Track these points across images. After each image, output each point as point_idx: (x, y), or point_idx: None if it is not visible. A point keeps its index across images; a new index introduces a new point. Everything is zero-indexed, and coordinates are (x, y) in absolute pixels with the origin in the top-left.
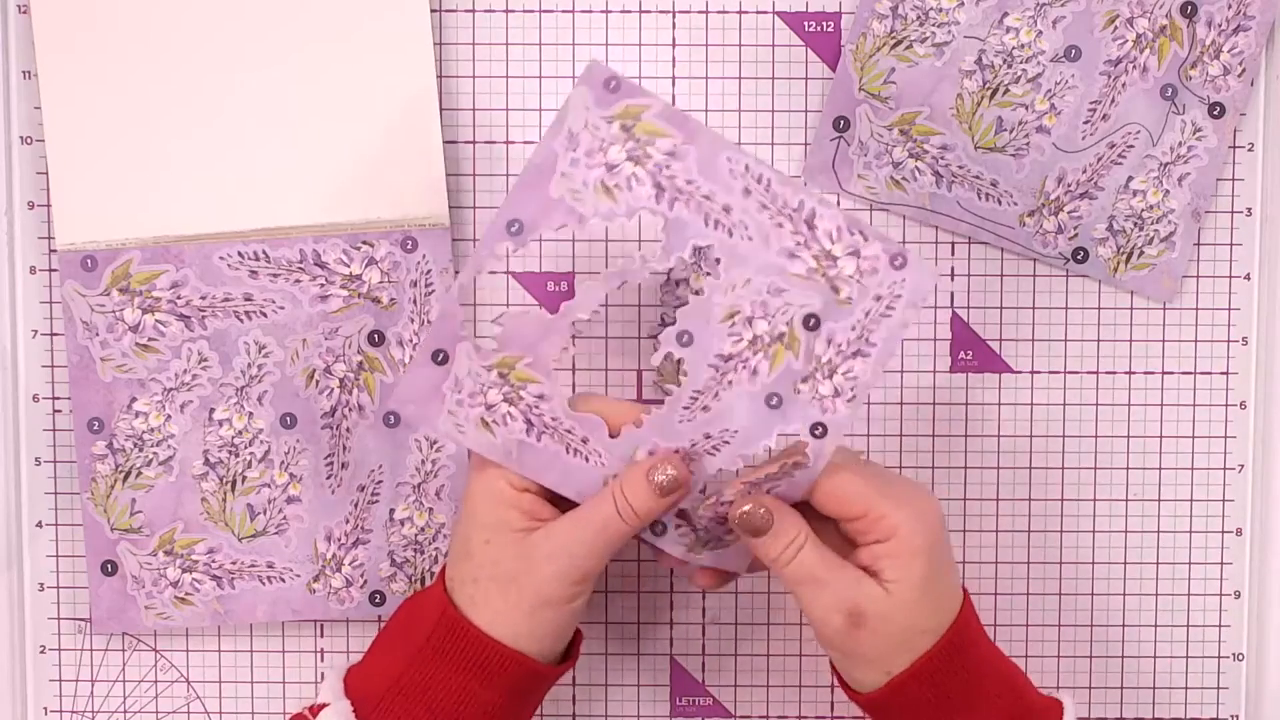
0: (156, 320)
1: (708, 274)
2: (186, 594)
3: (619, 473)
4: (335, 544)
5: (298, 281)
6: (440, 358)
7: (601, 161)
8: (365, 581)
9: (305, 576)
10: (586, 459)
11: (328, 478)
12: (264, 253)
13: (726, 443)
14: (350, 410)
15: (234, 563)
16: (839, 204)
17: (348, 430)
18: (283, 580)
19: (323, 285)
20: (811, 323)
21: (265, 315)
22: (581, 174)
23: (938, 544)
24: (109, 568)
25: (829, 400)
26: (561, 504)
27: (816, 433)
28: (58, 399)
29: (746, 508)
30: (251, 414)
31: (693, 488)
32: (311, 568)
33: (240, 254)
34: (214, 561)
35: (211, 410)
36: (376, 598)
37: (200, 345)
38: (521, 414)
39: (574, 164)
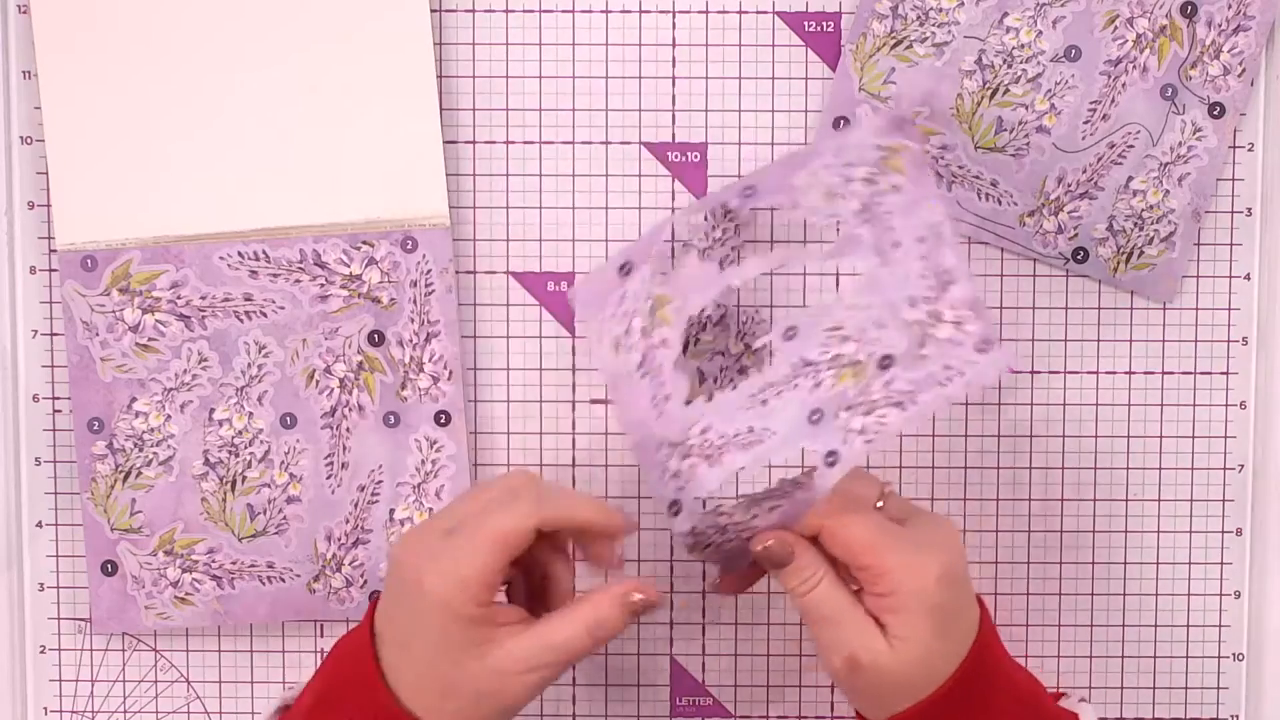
0: (156, 320)
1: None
2: (186, 594)
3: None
4: (335, 544)
5: (298, 281)
6: (625, 269)
7: (843, 175)
8: (365, 581)
9: (305, 576)
10: (656, 407)
11: (328, 478)
12: (264, 253)
13: (761, 441)
14: (350, 410)
15: (234, 563)
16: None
17: (348, 430)
18: (283, 580)
19: (323, 285)
20: (886, 363)
21: (265, 315)
22: (824, 177)
23: (946, 601)
24: (109, 568)
25: (853, 435)
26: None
27: (829, 460)
28: (58, 399)
29: (769, 543)
30: (251, 414)
31: (693, 505)
32: (311, 568)
33: (240, 254)
34: (214, 561)
35: (211, 410)
36: (376, 598)
37: (200, 345)
38: (642, 349)
39: (826, 167)
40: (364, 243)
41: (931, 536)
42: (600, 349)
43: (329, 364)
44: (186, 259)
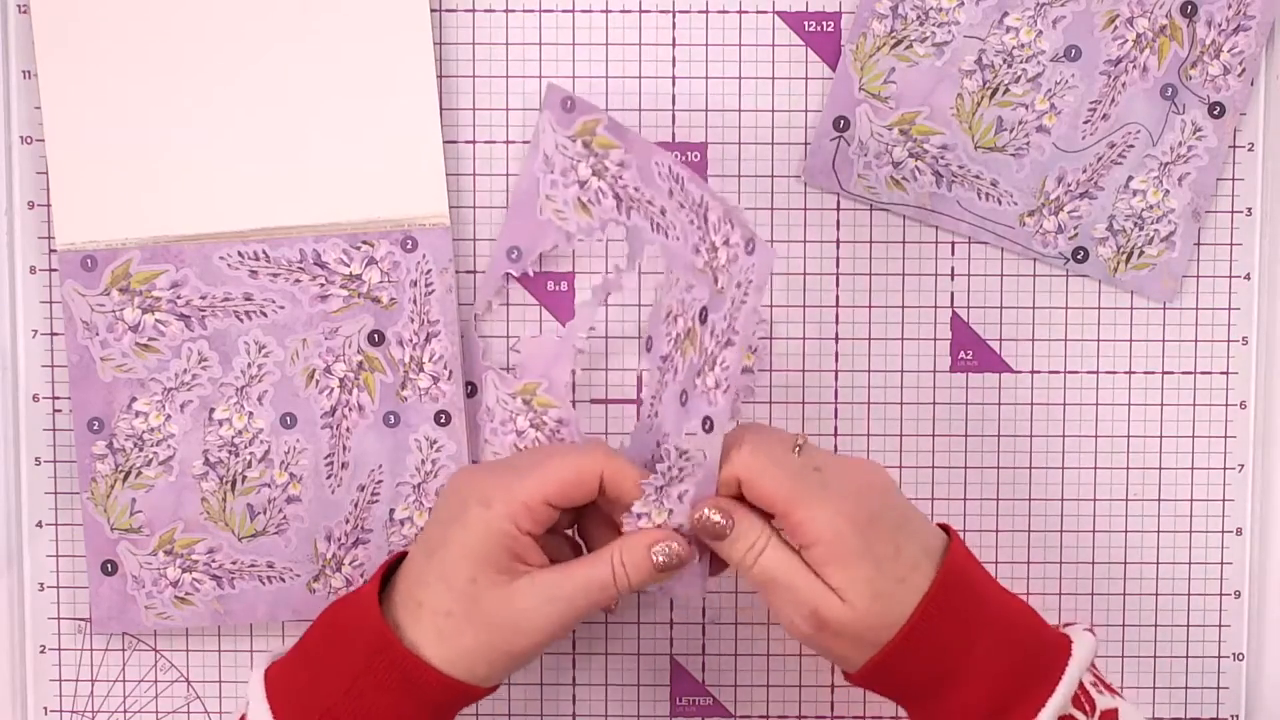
0: (156, 320)
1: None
2: (186, 594)
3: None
4: (335, 544)
5: (298, 281)
6: (470, 390)
7: (574, 179)
8: (365, 581)
9: (305, 576)
10: None
11: (328, 478)
12: (264, 253)
13: (665, 448)
14: (350, 410)
15: (234, 562)
16: (838, 204)
17: (348, 430)
18: (283, 580)
19: (323, 285)
20: (703, 315)
21: (265, 315)
22: (561, 194)
23: (874, 541)
24: (109, 567)
25: (713, 392)
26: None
27: (706, 427)
28: (58, 399)
29: (705, 511)
30: (251, 414)
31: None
32: (311, 567)
33: (240, 254)
34: (214, 561)
35: (211, 410)
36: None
37: (200, 345)
38: (547, 438)
39: (553, 185)
40: (364, 242)
41: (845, 480)
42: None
43: (329, 364)
44: (186, 259)
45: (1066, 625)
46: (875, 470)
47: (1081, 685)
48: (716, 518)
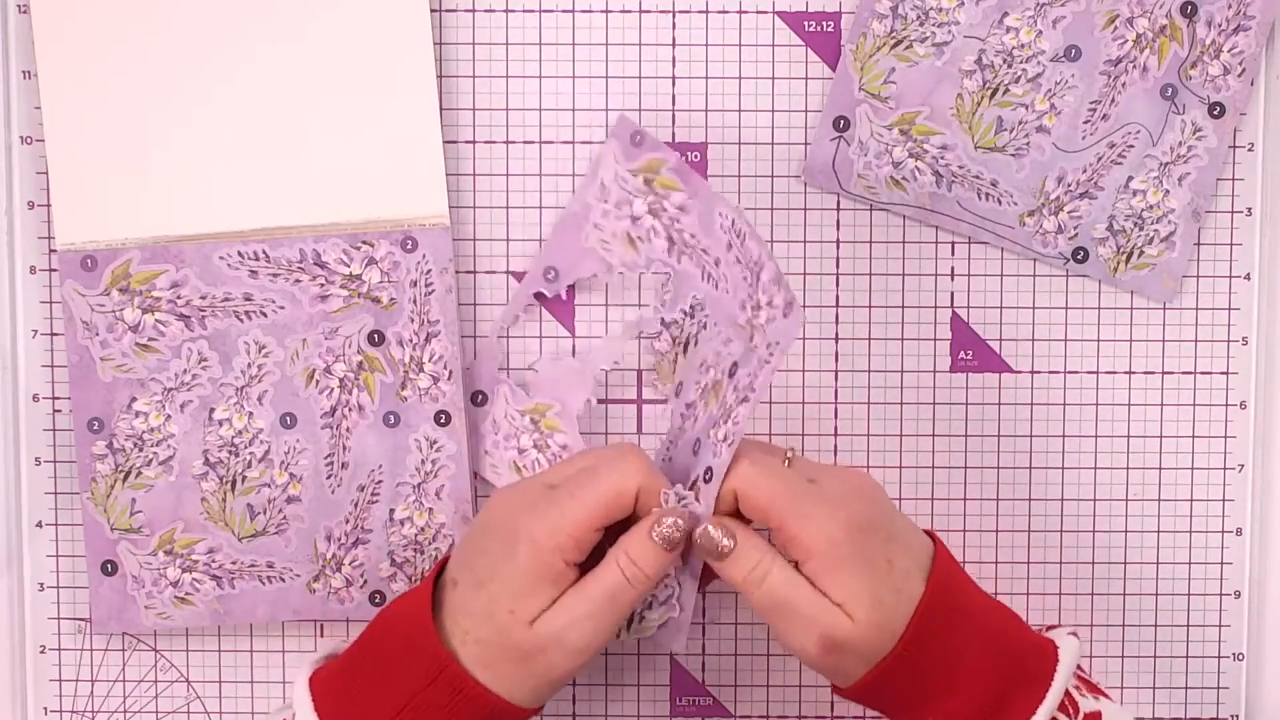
0: (156, 320)
1: (703, 326)
2: (186, 594)
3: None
4: (335, 544)
5: (297, 281)
6: (479, 399)
7: (628, 214)
8: (365, 581)
9: (305, 576)
10: None
11: (328, 478)
12: (264, 252)
13: (665, 494)
14: (350, 410)
15: (234, 562)
16: (838, 204)
17: (348, 430)
18: (283, 580)
19: (323, 285)
20: (732, 370)
21: (265, 315)
22: (611, 225)
23: (868, 549)
24: (109, 568)
25: (719, 445)
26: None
27: (706, 477)
28: (58, 399)
29: (707, 528)
30: (251, 414)
31: None
32: (311, 567)
33: (240, 254)
34: (214, 561)
35: (211, 410)
36: (377, 598)
37: (200, 345)
38: (548, 461)
39: (605, 215)
40: (364, 242)
41: (835, 489)
42: (501, 478)
43: (329, 364)
44: (186, 259)
45: (1049, 629)
46: (865, 479)
47: (1065, 690)
48: (719, 535)
